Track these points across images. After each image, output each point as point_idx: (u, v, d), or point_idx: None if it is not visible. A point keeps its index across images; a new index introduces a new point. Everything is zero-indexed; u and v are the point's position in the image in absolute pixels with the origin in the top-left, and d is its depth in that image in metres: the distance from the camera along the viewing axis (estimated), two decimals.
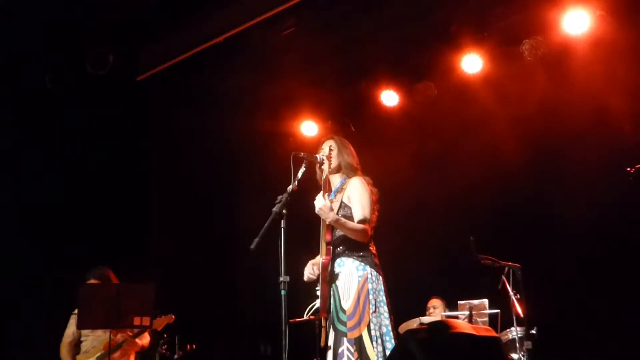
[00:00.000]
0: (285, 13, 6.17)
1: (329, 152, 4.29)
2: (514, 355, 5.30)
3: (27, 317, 6.30)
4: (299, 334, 4.41)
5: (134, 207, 7.10)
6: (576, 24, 5.96)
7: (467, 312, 5.50)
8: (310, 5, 6.13)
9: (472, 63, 6.49)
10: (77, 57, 6.47)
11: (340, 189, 4.32)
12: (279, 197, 4.01)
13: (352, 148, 4.47)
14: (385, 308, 4.11)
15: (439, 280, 6.57)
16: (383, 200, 4.37)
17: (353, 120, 7.45)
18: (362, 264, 4.12)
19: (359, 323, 3.99)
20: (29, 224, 6.47)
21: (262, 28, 6.29)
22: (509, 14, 6.20)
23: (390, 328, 4.07)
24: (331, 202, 4.17)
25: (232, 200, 8.13)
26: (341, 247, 4.18)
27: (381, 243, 4.35)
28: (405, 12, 6.30)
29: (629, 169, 4.59)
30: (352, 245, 4.15)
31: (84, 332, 5.40)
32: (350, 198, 4.21)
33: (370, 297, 4.05)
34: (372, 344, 3.95)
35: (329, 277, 4.11)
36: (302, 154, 4.22)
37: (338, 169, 4.38)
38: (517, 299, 5.08)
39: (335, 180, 4.39)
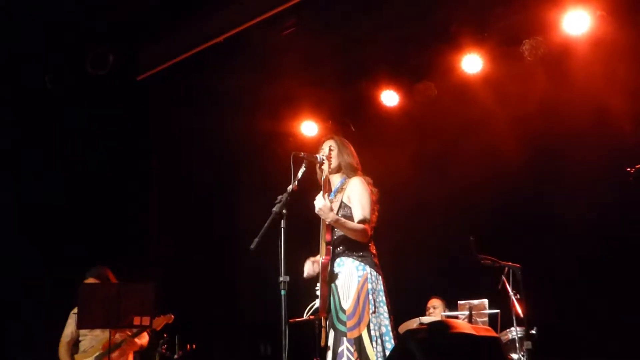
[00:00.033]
0: (285, 13, 6.17)
1: (329, 152, 4.29)
2: (514, 355, 5.30)
3: (27, 317, 6.31)
4: (299, 334, 4.42)
5: (134, 207, 7.10)
6: (576, 24, 5.96)
7: (467, 312, 5.50)
8: (310, 5, 6.13)
9: (472, 63, 6.49)
10: (77, 57, 6.47)
11: (340, 189, 4.32)
12: (279, 197, 4.01)
13: (352, 148, 4.47)
14: (385, 308, 4.11)
15: (439, 280, 6.57)
16: (383, 200, 4.37)
17: (353, 120, 7.45)
18: (362, 264, 4.12)
19: (358, 323, 3.99)
20: (29, 224, 6.48)
21: (262, 28, 6.29)
22: (509, 14, 6.20)
23: (390, 328, 4.07)
24: (331, 202, 4.17)
25: (232, 200, 8.13)
26: (341, 247, 4.18)
27: (381, 243, 4.35)
28: (405, 12, 6.30)
29: (629, 169, 4.58)
30: (351, 245, 4.15)
31: (82, 331, 5.41)
32: (350, 198, 4.21)
33: (370, 297, 4.05)
34: (372, 344, 3.96)
35: (329, 277, 4.11)
36: (302, 154, 4.22)
37: (338, 169, 4.38)
38: (517, 299, 5.08)
39: (336, 180, 4.39)
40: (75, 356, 5.43)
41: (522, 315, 5.04)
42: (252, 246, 3.90)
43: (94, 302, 4.84)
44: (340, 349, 3.98)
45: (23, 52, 6.33)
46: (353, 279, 4.09)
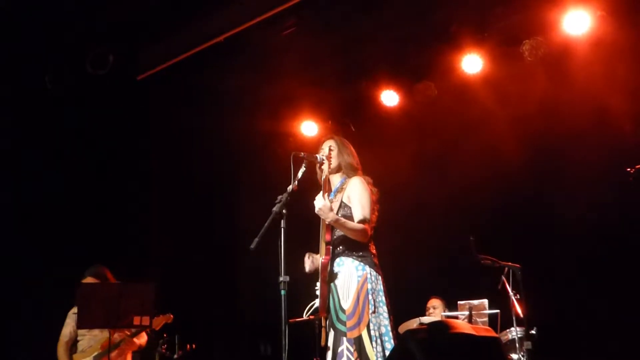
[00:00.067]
0: (285, 13, 6.17)
1: (329, 152, 4.29)
2: (514, 356, 5.30)
3: (27, 317, 6.30)
4: (299, 334, 4.41)
5: (134, 207, 7.10)
6: (576, 24, 5.96)
7: (467, 312, 5.50)
8: (310, 5, 6.13)
9: (472, 63, 6.50)
10: (77, 57, 6.47)
11: (340, 189, 4.32)
12: (279, 197, 4.01)
13: (352, 148, 4.47)
14: (385, 308, 4.11)
15: (439, 280, 6.57)
16: (383, 200, 4.37)
17: (353, 120, 7.45)
18: (362, 263, 4.12)
19: (358, 323, 3.99)
20: (29, 224, 6.47)
21: (262, 28, 6.29)
22: (509, 14, 6.20)
23: (389, 328, 4.07)
24: (331, 202, 4.17)
25: (232, 200, 8.13)
26: (341, 247, 4.18)
27: (381, 243, 4.35)
28: (405, 12, 6.30)
29: (629, 169, 4.59)
30: (351, 245, 4.15)
31: (80, 331, 5.40)
32: (350, 198, 4.21)
33: (370, 297, 4.05)
34: (372, 344, 3.96)
35: (329, 276, 4.11)
36: (302, 154, 4.23)
37: (338, 169, 4.38)
38: (517, 299, 5.08)
39: (336, 180, 4.39)
40: (74, 356, 5.43)
41: (522, 315, 5.04)
42: (252, 246, 3.90)
43: (94, 302, 4.84)
44: (340, 349, 3.98)
45: (23, 52, 6.33)
46: (353, 278, 4.09)
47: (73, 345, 5.48)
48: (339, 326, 4.04)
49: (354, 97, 7.36)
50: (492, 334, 3.42)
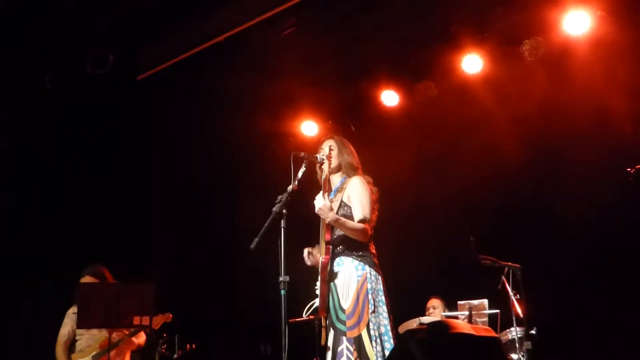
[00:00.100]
0: (285, 13, 6.17)
1: (329, 151, 4.29)
2: (514, 356, 5.30)
3: (27, 317, 6.30)
4: (299, 333, 4.42)
5: (134, 207, 7.10)
6: (577, 24, 5.97)
7: (466, 312, 5.50)
8: (310, 5, 6.13)
9: (472, 63, 6.50)
10: (77, 57, 6.47)
11: (340, 189, 4.32)
12: (279, 197, 4.01)
13: (352, 148, 4.47)
14: (385, 308, 4.11)
15: (439, 280, 6.57)
16: (383, 200, 4.37)
17: (353, 120, 7.45)
18: (362, 263, 4.12)
19: (358, 322, 3.99)
20: (29, 224, 6.47)
21: (262, 28, 6.29)
22: (509, 14, 6.20)
23: (389, 328, 4.07)
24: (331, 201, 4.17)
25: (232, 200, 8.13)
26: (340, 247, 4.18)
27: (381, 243, 4.35)
28: (405, 12, 6.31)
29: (629, 169, 4.59)
30: (351, 245, 4.15)
31: (78, 330, 5.40)
32: (350, 197, 4.21)
33: (370, 296, 4.05)
34: (372, 344, 3.96)
35: (328, 276, 4.11)
36: (302, 153, 4.22)
37: (338, 169, 4.38)
38: (516, 299, 5.08)
39: (336, 179, 4.39)
40: (72, 355, 5.43)
41: (522, 315, 5.04)
42: (252, 246, 3.90)
43: (94, 302, 4.84)
44: (339, 348, 3.98)
45: (23, 52, 6.33)
46: (352, 278, 4.09)
47: (71, 344, 5.48)
48: (339, 326, 4.04)
49: (354, 97, 7.36)
50: (492, 334, 3.42)
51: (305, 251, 4.31)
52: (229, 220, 7.90)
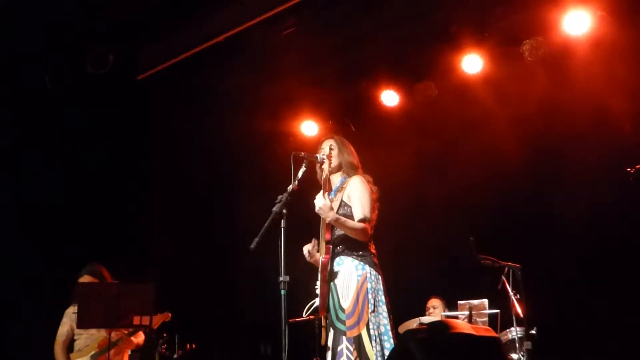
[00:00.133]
0: (285, 13, 6.17)
1: (330, 151, 4.30)
2: (514, 356, 5.30)
3: (27, 317, 6.30)
4: (299, 333, 4.42)
5: (134, 207, 7.10)
6: (577, 24, 5.96)
7: (467, 312, 5.49)
8: (310, 5, 6.13)
9: (472, 63, 6.50)
10: (77, 57, 6.47)
11: (341, 188, 4.32)
12: (279, 197, 4.01)
13: (352, 147, 4.48)
14: (384, 308, 4.11)
15: (439, 280, 6.57)
16: (383, 200, 4.37)
17: (353, 120, 7.45)
18: (362, 263, 4.12)
19: (357, 322, 4.00)
20: (29, 224, 6.47)
21: (262, 28, 6.29)
22: (509, 14, 6.20)
23: (389, 328, 4.07)
24: (331, 201, 4.17)
25: (232, 200, 8.13)
26: (341, 246, 4.18)
27: (381, 243, 4.35)
28: (405, 12, 6.31)
29: (629, 169, 4.59)
30: (351, 245, 4.16)
31: (77, 330, 5.40)
32: (350, 197, 4.21)
33: (369, 296, 4.05)
34: (371, 344, 3.96)
35: (328, 275, 4.11)
36: (303, 153, 4.23)
37: (339, 168, 4.38)
38: (517, 299, 5.08)
39: (336, 179, 4.40)
40: (71, 355, 5.43)
41: (522, 315, 5.03)
42: (252, 246, 3.90)
43: (94, 302, 4.84)
44: (339, 348, 3.98)
45: (23, 52, 6.33)
46: (352, 278, 4.09)
47: (70, 344, 5.48)
48: (339, 325, 4.04)
49: (354, 97, 7.36)
50: (492, 334, 3.42)
51: (309, 255, 4.30)
52: (229, 220, 7.90)
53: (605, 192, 5.90)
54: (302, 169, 4.16)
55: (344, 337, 3.99)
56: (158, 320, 5.52)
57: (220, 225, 7.88)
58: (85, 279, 5.42)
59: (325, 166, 4.29)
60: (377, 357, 3.93)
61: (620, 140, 5.92)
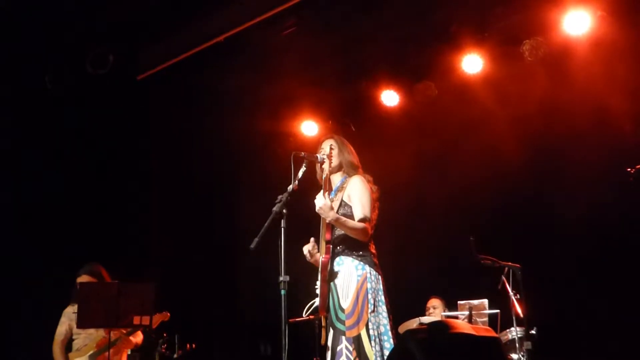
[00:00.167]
0: (285, 13, 6.17)
1: (330, 151, 4.30)
2: (514, 356, 5.30)
3: (27, 317, 6.30)
4: (299, 333, 4.42)
5: (134, 207, 7.10)
6: (577, 24, 5.96)
7: (467, 312, 5.49)
8: (310, 5, 6.13)
9: (472, 63, 6.49)
10: (77, 57, 6.47)
11: (341, 188, 4.32)
12: (279, 197, 4.01)
13: (351, 147, 4.48)
14: (384, 308, 4.11)
15: (439, 280, 6.57)
16: (383, 200, 4.37)
17: (353, 120, 7.45)
18: (362, 263, 4.12)
19: (357, 322, 3.99)
20: (29, 224, 6.47)
21: (262, 28, 6.29)
22: (509, 14, 6.20)
23: (388, 328, 4.07)
24: (331, 201, 4.17)
25: (232, 200, 8.13)
26: (341, 246, 4.18)
27: (381, 243, 4.35)
28: (405, 12, 6.30)
29: (629, 169, 4.59)
30: (351, 245, 4.16)
31: (75, 330, 5.40)
32: (351, 197, 4.21)
33: (369, 296, 4.05)
34: (371, 344, 3.96)
35: (328, 275, 4.11)
36: (303, 153, 4.23)
37: (339, 168, 4.38)
38: (517, 299, 5.08)
39: (336, 179, 4.40)
40: (69, 355, 5.43)
41: (522, 315, 5.03)
42: (252, 246, 3.90)
43: (94, 302, 4.84)
44: (339, 348, 3.98)
45: (23, 52, 6.33)
46: (352, 278, 4.09)
47: (68, 343, 5.48)
48: (338, 325, 4.04)
49: (354, 97, 7.36)
50: (492, 334, 3.42)
51: (306, 249, 4.31)
52: (229, 220, 7.90)
53: (605, 192, 5.90)
54: (302, 169, 4.16)
55: (343, 337, 3.99)
56: (157, 320, 5.53)
57: (220, 225, 7.88)
58: (83, 278, 5.42)
59: (326, 166, 4.29)
60: (376, 357, 3.93)
61: (620, 140, 5.92)
